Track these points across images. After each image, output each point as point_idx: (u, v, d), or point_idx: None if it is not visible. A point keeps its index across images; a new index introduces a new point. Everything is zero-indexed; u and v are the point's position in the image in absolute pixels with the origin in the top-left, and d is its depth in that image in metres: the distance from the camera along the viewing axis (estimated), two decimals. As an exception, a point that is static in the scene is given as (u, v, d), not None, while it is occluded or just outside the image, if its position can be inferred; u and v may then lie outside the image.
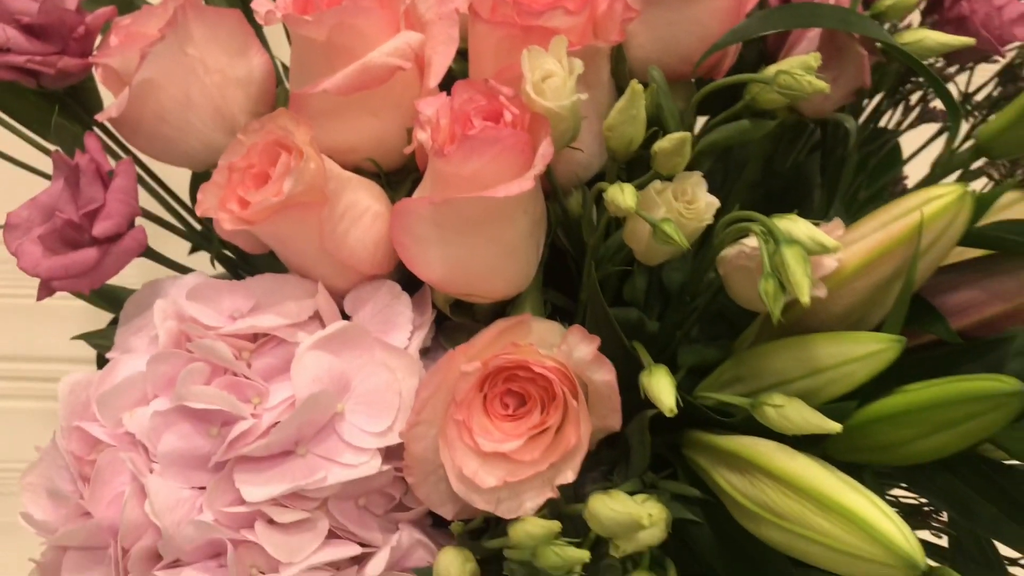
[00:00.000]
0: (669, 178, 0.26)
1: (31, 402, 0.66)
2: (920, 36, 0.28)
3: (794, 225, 0.23)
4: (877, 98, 0.34)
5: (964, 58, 0.34)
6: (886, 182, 0.39)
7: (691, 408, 0.27)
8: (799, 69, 0.24)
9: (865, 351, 0.25)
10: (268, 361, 0.26)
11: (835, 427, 0.23)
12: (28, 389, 0.65)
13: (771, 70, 0.25)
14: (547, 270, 0.31)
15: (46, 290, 0.30)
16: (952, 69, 0.36)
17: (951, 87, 0.35)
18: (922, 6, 0.34)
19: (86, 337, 0.35)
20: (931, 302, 0.27)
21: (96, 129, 0.34)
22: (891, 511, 0.22)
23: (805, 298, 0.22)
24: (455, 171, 0.25)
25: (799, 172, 0.35)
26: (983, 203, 0.25)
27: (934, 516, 0.34)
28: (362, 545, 0.27)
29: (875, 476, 0.31)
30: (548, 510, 0.25)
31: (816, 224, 0.24)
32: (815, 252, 0.23)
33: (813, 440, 0.27)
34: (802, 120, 0.29)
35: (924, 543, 0.25)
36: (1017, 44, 0.35)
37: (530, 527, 0.24)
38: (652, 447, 0.29)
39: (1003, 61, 0.36)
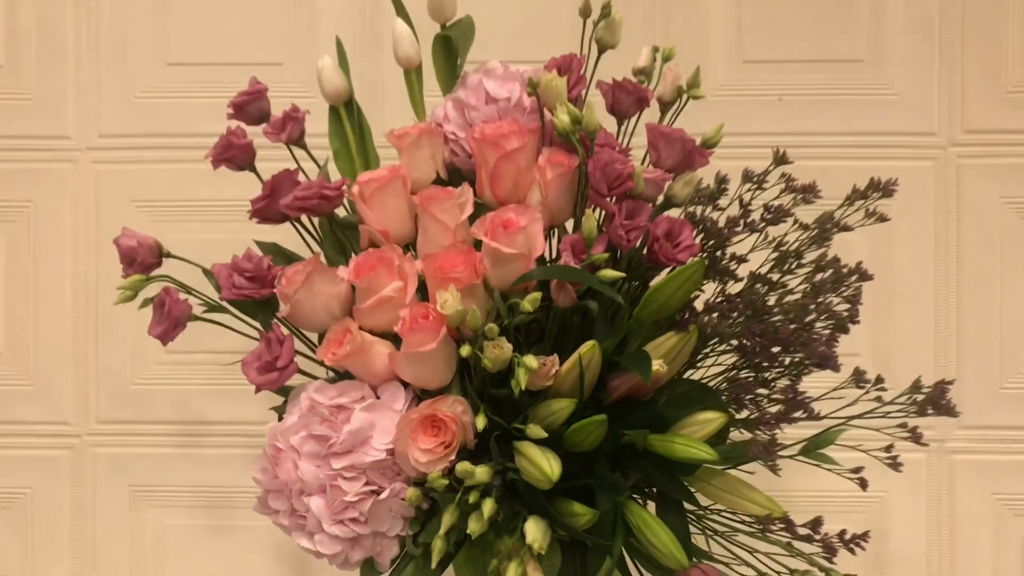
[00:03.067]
0: (492, 339, 0.65)
1: (249, 449, 1.09)
2: (605, 273, 0.65)
3: (527, 358, 0.62)
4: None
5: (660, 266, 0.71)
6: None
7: (510, 432, 0.66)
8: (528, 301, 0.63)
9: (562, 406, 0.62)
10: (343, 415, 0.67)
11: (541, 434, 0.62)
12: (247, 441, 1.09)
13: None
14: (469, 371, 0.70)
15: (258, 389, 0.72)
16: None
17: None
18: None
19: (276, 409, 0.77)
20: (607, 384, 0.65)
21: (277, 318, 0.76)
22: (554, 461, 0.60)
23: (522, 386, 0.61)
24: (408, 340, 0.65)
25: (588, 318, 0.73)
26: (605, 349, 0.63)
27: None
28: (381, 488, 0.66)
29: (608, 463, 0.68)
30: (446, 471, 0.64)
31: (536, 360, 0.62)
32: (531, 369, 0.61)
33: (555, 441, 0.64)
34: (564, 307, 0.67)
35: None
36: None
37: (433, 474, 0.63)
38: (508, 450, 0.67)
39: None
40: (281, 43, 1.10)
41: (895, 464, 0.62)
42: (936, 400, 0.62)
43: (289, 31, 1.09)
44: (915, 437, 0.62)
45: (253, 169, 0.78)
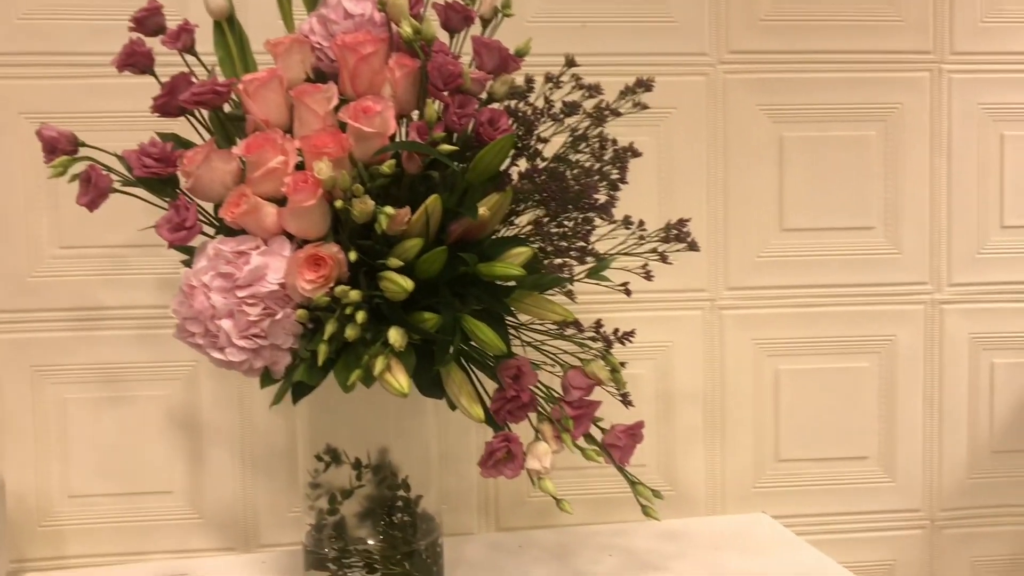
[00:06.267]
0: (358, 196, 0.85)
1: (140, 330, 1.26)
2: (443, 147, 0.87)
3: (387, 208, 0.83)
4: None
5: (484, 145, 0.94)
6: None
7: (374, 267, 0.87)
8: (385, 166, 0.84)
9: (414, 243, 0.84)
10: (243, 259, 0.86)
11: (398, 263, 0.83)
12: (138, 324, 1.26)
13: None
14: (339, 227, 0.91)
15: (170, 245, 0.90)
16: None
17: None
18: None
19: (185, 262, 0.95)
20: (448, 229, 0.87)
21: (181, 190, 0.94)
22: (408, 280, 0.82)
23: (384, 227, 0.82)
24: (293, 199, 0.85)
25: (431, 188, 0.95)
26: (446, 202, 0.85)
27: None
28: (276, 311, 0.86)
29: (449, 290, 0.91)
30: (327, 296, 0.85)
31: (393, 209, 0.83)
32: (389, 216, 0.83)
33: (409, 272, 0.86)
34: (413, 173, 0.88)
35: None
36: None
37: (318, 296, 0.84)
38: (372, 284, 0.89)
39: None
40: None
41: (648, 275, 0.87)
42: (679, 234, 0.88)
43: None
44: (663, 258, 0.87)
45: (153, 73, 0.95)
